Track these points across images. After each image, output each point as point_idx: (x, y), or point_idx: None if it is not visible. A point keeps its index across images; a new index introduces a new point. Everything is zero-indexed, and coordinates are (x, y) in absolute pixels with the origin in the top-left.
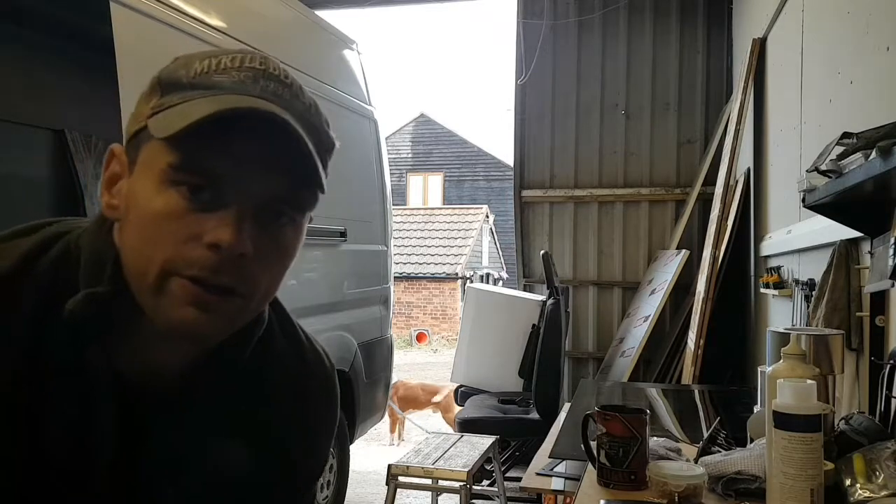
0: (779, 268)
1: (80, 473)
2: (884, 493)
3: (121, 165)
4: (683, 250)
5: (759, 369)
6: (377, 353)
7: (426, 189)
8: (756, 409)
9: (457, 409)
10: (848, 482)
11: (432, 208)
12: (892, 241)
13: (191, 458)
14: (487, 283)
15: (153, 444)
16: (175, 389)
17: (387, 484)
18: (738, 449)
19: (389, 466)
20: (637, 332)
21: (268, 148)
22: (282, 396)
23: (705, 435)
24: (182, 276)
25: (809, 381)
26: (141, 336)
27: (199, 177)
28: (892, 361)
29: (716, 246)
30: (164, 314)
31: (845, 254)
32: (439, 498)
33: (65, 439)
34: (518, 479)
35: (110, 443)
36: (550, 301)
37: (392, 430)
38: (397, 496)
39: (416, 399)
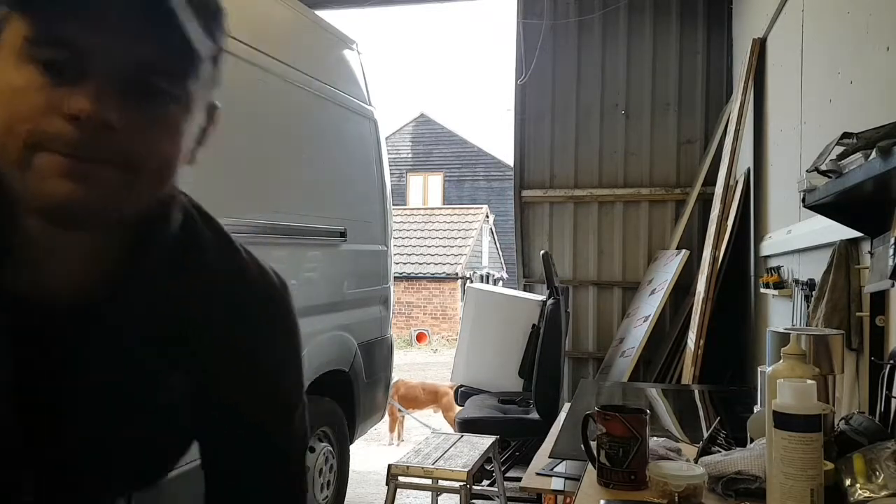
0: (779, 268)
1: None
2: (884, 493)
3: None
4: (683, 250)
5: (759, 369)
6: (377, 353)
7: (426, 189)
8: (756, 409)
9: (457, 408)
10: (848, 482)
11: (432, 208)
12: (892, 241)
13: (98, 385)
14: (487, 283)
15: (58, 371)
16: (77, 304)
17: (387, 484)
18: (738, 449)
19: (389, 466)
20: (637, 332)
21: (128, 11)
22: (211, 310)
23: (705, 435)
24: (48, 150)
25: (809, 381)
26: (26, 244)
27: (56, 49)
28: (892, 361)
29: (716, 246)
30: (33, 189)
31: (845, 254)
32: (439, 498)
33: None
34: (518, 479)
35: (8, 368)
36: (550, 301)
37: (392, 430)
38: (397, 496)
39: (416, 398)
